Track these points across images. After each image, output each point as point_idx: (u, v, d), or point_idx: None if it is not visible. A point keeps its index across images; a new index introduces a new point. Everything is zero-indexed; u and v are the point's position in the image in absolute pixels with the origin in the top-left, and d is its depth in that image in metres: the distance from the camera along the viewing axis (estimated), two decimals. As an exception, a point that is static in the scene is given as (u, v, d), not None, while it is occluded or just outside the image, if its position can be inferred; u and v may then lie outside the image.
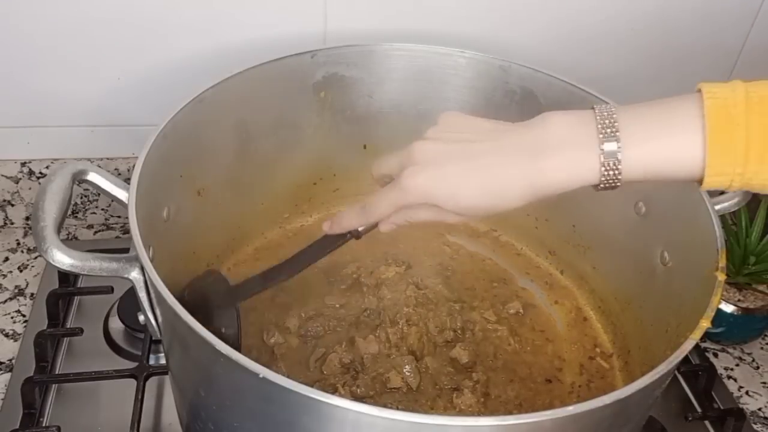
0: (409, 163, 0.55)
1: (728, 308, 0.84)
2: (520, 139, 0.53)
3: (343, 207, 0.91)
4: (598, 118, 0.50)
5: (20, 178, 0.92)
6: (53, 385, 0.76)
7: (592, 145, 0.50)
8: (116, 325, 0.82)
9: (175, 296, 0.51)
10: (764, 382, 0.85)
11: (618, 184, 0.51)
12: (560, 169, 0.52)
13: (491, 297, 0.83)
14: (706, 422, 0.79)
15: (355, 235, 0.63)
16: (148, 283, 0.56)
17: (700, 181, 0.49)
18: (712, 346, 0.89)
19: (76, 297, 0.86)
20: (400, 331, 0.75)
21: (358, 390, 0.70)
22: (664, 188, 0.69)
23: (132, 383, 0.74)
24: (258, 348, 0.74)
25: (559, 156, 0.51)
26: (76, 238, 0.96)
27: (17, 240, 0.95)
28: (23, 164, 0.92)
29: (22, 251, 0.93)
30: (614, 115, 0.50)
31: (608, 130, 0.50)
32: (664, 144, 0.49)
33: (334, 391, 0.69)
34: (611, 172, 0.50)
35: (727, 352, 0.88)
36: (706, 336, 0.88)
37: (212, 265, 0.82)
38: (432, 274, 0.85)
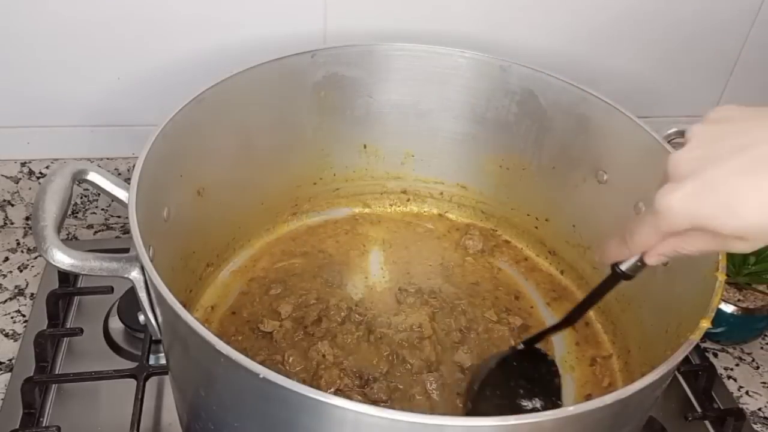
0: (665, 179, 0.44)
1: (728, 308, 0.84)
2: None
3: (344, 207, 0.92)
4: None
5: (20, 178, 0.92)
6: (53, 385, 0.76)
7: None
8: (116, 325, 0.82)
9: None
10: (764, 382, 0.85)
11: None
12: None
13: (492, 298, 0.83)
14: (706, 422, 0.79)
15: (625, 276, 0.54)
16: (149, 282, 0.56)
17: None
18: (712, 346, 0.89)
19: (76, 297, 0.86)
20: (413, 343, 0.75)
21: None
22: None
23: (132, 383, 0.74)
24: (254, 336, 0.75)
25: None
26: (76, 238, 0.96)
27: (17, 240, 0.95)
28: (23, 164, 0.92)
29: (22, 251, 0.93)
30: None
31: None
32: None
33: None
34: None
35: (727, 352, 0.88)
36: (706, 336, 0.88)
37: (212, 264, 0.82)
38: (433, 275, 0.85)
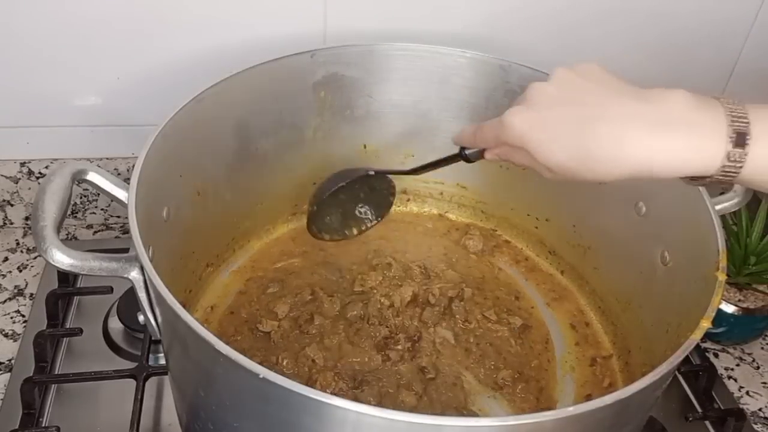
0: (521, 100, 0.52)
1: (729, 308, 0.84)
2: (644, 106, 0.47)
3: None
4: (726, 105, 0.46)
5: (20, 178, 0.92)
6: (53, 386, 0.76)
7: (720, 132, 0.45)
8: (116, 325, 0.82)
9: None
10: (764, 383, 0.85)
11: (734, 178, 0.46)
12: (679, 150, 0.46)
13: (494, 297, 0.83)
14: (707, 422, 0.79)
15: (465, 158, 0.63)
16: (148, 283, 0.56)
17: None
18: (712, 347, 0.89)
19: (75, 297, 0.86)
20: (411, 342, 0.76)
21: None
22: (665, 188, 0.69)
23: (132, 383, 0.73)
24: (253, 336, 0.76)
25: (683, 136, 0.46)
26: (75, 238, 0.96)
27: (17, 240, 0.95)
28: (23, 164, 0.92)
29: (22, 251, 0.93)
30: (744, 108, 0.46)
31: (740, 120, 0.45)
32: None
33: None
34: (733, 165, 0.46)
35: (728, 353, 0.88)
36: (707, 336, 0.88)
37: (212, 265, 0.82)
38: (433, 276, 0.85)
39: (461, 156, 0.63)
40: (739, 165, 0.46)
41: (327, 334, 0.75)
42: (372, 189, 0.77)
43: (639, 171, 0.47)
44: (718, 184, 0.48)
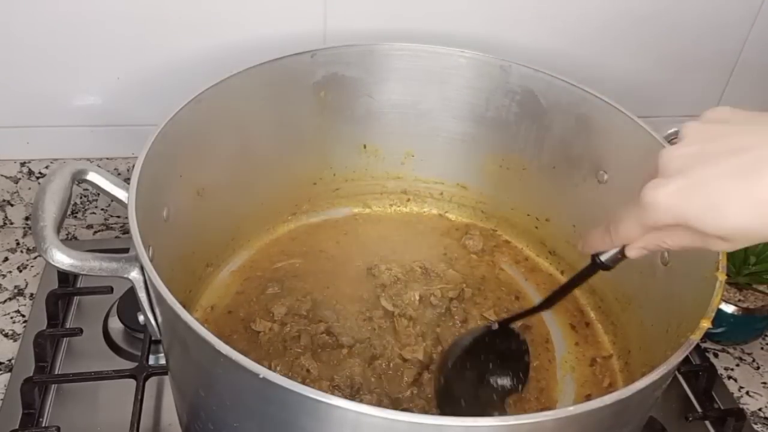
0: (655, 174, 0.45)
1: (729, 308, 0.84)
2: None
3: (344, 207, 0.92)
4: None
5: (20, 178, 0.92)
6: (53, 386, 0.76)
7: None
8: (116, 325, 0.82)
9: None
10: (764, 383, 0.85)
11: None
12: None
13: (495, 298, 0.83)
14: (707, 422, 0.79)
15: (603, 266, 0.55)
16: (148, 283, 0.56)
17: None
18: (712, 347, 0.89)
19: (75, 297, 0.86)
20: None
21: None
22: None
23: (132, 383, 0.73)
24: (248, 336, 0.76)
25: None
26: (75, 238, 0.96)
27: (17, 240, 0.95)
28: (23, 164, 0.92)
29: (22, 251, 0.93)
30: None
31: None
32: None
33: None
34: None
35: (728, 353, 0.88)
36: (707, 336, 0.88)
37: (212, 264, 0.82)
38: (433, 276, 0.85)
39: (598, 266, 0.55)
40: None
41: (323, 343, 0.75)
42: (502, 352, 0.70)
43: None
44: None
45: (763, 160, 0.40)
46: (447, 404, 0.68)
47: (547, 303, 0.67)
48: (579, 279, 0.60)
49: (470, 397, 0.68)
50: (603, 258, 0.54)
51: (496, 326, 0.72)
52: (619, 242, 0.51)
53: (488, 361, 0.70)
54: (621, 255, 0.53)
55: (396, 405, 0.70)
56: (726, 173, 0.41)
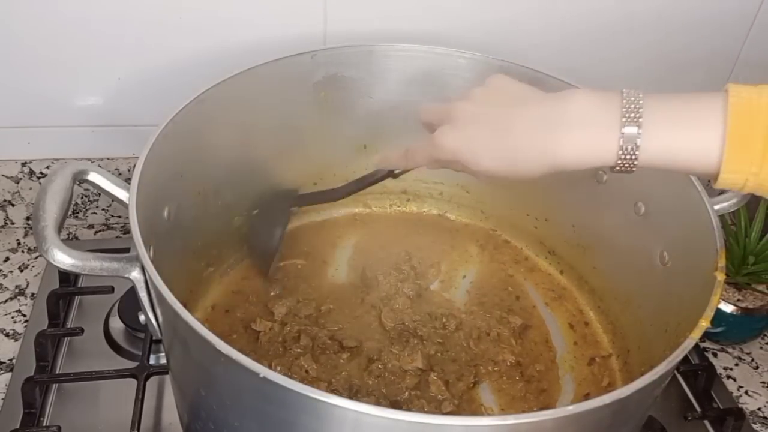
0: (446, 120, 0.59)
1: (727, 308, 0.84)
2: (545, 111, 0.54)
3: (344, 207, 0.92)
4: (624, 101, 0.51)
5: (21, 178, 0.92)
6: (54, 385, 0.76)
7: (613, 126, 0.51)
8: (117, 324, 0.82)
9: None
10: (763, 382, 0.85)
11: (633, 168, 0.52)
12: (577, 146, 0.52)
13: (495, 298, 0.83)
14: (706, 422, 0.79)
15: (392, 175, 0.71)
16: (149, 282, 0.56)
17: (715, 178, 0.50)
18: (711, 346, 0.89)
19: (76, 297, 0.86)
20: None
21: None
22: (664, 188, 0.69)
23: (132, 383, 0.74)
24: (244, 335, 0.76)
25: (578, 134, 0.52)
26: (76, 238, 0.96)
27: (18, 240, 0.95)
28: (24, 164, 0.92)
29: (23, 251, 0.93)
30: (641, 101, 0.51)
31: (632, 115, 0.51)
32: (684, 135, 0.50)
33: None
34: (628, 157, 0.51)
35: (727, 352, 0.88)
36: (706, 336, 0.88)
37: (213, 264, 0.82)
38: (432, 276, 0.85)
39: (390, 174, 0.72)
40: (633, 157, 0.51)
41: (323, 344, 0.75)
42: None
43: (552, 167, 0.53)
44: (626, 172, 0.52)
45: (506, 130, 0.55)
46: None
47: (344, 190, 0.80)
48: (373, 181, 0.75)
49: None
50: (396, 171, 0.71)
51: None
52: (412, 165, 0.67)
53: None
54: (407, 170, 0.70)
55: (395, 407, 0.70)
56: (485, 134, 0.56)
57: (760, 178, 0.49)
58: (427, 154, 0.62)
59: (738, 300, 0.85)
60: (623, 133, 0.50)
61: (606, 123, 0.51)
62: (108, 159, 0.93)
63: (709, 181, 0.52)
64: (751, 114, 0.48)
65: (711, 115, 0.50)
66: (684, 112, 0.51)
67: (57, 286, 0.85)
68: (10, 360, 0.79)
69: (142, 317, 0.60)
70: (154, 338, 0.76)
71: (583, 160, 0.53)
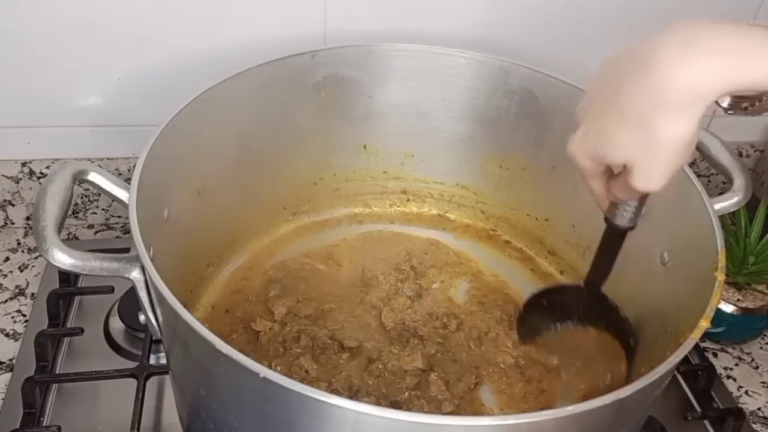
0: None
1: (728, 308, 0.84)
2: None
3: (344, 207, 0.92)
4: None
5: (21, 178, 0.93)
6: (54, 385, 0.76)
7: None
8: (117, 324, 0.82)
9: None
10: (763, 382, 0.85)
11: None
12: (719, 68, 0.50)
13: (495, 298, 0.83)
14: (706, 422, 0.79)
15: (627, 228, 0.62)
16: (149, 282, 0.56)
17: None
18: (711, 346, 0.89)
19: (76, 297, 0.86)
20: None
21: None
22: (664, 188, 0.69)
23: (132, 383, 0.74)
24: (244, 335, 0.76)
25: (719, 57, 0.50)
26: (76, 238, 0.96)
27: (18, 240, 0.95)
28: (24, 164, 0.92)
29: (23, 251, 0.93)
30: None
31: None
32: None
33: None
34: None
35: (727, 352, 0.88)
36: (706, 336, 0.88)
37: (213, 264, 0.82)
38: (432, 275, 0.85)
39: (625, 229, 0.62)
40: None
41: (323, 344, 0.75)
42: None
43: (700, 100, 0.48)
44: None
45: (632, 109, 0.48)
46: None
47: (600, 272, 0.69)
48: (612, 248, 0.65)
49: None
50: (618, 221, 0.60)
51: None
52: (602, 200, 0.58)
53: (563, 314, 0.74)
54: (635, 210, 0.59)
55: (395, 407, 0.70)
56: (607, 118, 0.50)
57: None
58: (582, 174, 0.55)
59: (738, 300, 0.85)
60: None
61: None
62: (108, 159, 0.93)
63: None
64: None
65: None
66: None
67: (57, 286, 0.85)
68: (10, 360, 0.79)
69: (142, 317, 0.60)
70: (154, 338, 0.76)
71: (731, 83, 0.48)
